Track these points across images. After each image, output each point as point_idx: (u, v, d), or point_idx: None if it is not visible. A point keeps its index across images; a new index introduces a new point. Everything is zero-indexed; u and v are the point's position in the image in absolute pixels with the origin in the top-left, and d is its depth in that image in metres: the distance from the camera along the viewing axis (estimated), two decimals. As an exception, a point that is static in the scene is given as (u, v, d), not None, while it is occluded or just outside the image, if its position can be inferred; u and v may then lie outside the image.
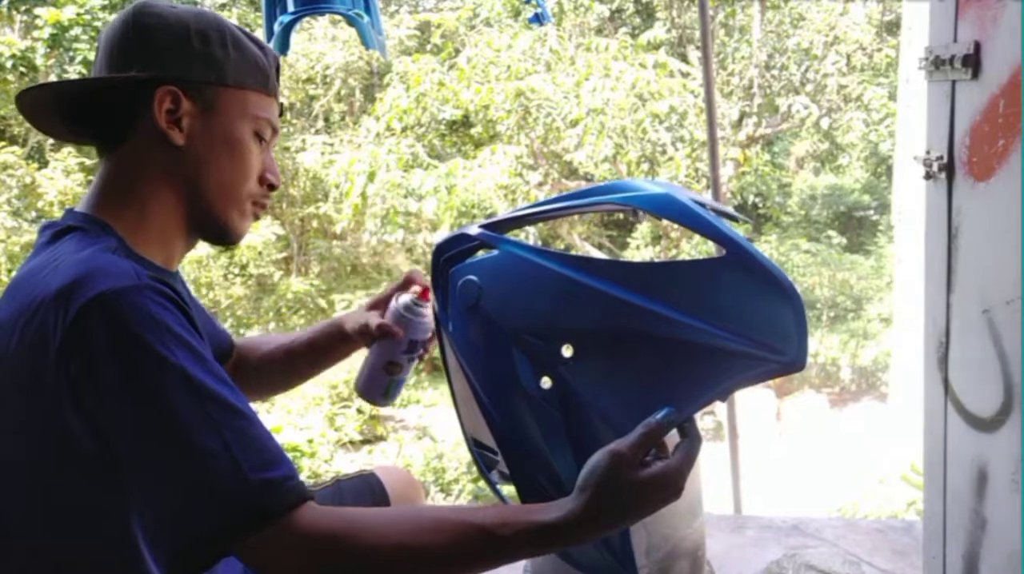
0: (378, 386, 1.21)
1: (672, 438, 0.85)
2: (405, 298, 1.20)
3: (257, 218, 1.06)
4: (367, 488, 1.33)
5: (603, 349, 0.88)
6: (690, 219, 0.89)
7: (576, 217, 8.92)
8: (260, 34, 2.02)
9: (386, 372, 1.20)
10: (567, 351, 0.88)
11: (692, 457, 0.82)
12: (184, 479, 0.77)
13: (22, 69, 8.16)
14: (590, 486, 0.80)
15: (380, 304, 1.25)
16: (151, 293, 0.81)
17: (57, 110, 1.00)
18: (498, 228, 0.99)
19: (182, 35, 0.96)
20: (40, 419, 0.81)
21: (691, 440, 0.84)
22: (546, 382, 0.89)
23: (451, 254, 0.99)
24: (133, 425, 0.78)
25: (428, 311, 1.18)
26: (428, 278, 1.15)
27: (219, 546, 0.76)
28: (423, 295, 1.20)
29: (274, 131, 1.05)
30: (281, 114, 1.08)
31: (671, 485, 0.81)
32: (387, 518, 0.83)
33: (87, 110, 0.98)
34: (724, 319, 0.83)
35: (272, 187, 1.06)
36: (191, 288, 1.18)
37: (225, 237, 1.03)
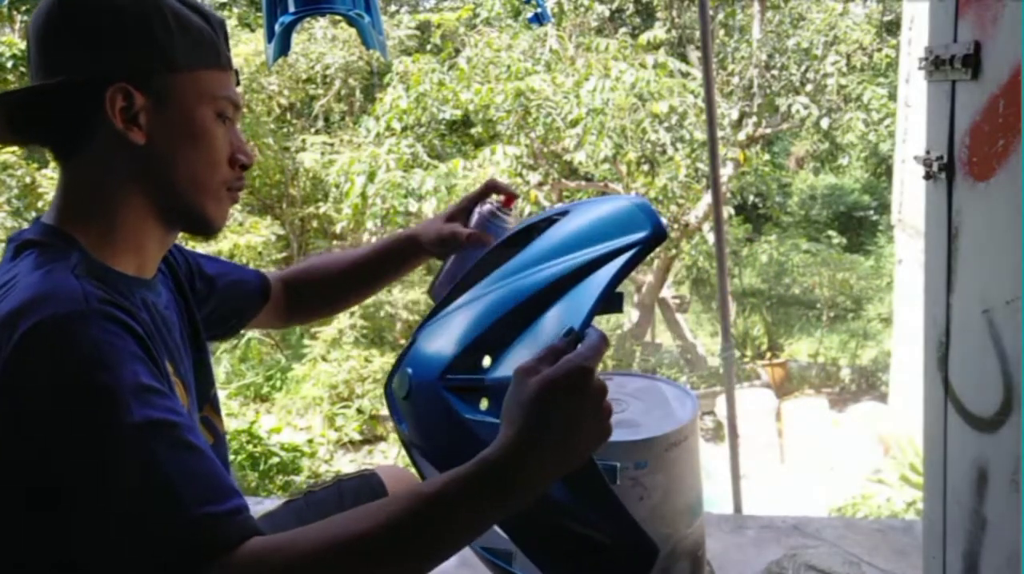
0: None
1: None
2: (489, 206, 1.21)
3: (234, 202, 1.00)
4: (368, 488, 1.32)
5: (508, 332, 0.91)
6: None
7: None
8: (260, 35, 2.01)
9: None
10: (486, 362, 0.91)
11: (594, 345, 0.79)
12: (122, 513, 0.73)
13: (22, 69, 8.16)
14: (505, 410, 0.77)
15: (459, 214, 1.24)
16: (98, 319, 0.77)
17: (2, 119, 0.93)
18: (424, 323, 1.04)
19: (119, 22, 0.88)
20: None
21: (592, 336, 0.81)
22: (484, 403, 0.90)
23: (391, 375, 1.01)
24: (71, 456, 0.73)
25: (512, 219, 1.20)
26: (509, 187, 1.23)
27: None
28: (507, 202, 1.20)
29: (236, 107, 0.97)
30: (238, 83, 1.00)
31: (576, 371, 0.75)
32: (329, 522, 0.77)
33: (33, 118, 0.91)
34: (585, 243, 0.92)
35: (244, 167, 0.99)
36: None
37: (206, 229, 0.98)
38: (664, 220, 0.92)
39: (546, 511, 0.84)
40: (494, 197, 1.23)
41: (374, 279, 1.38)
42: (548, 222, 0.99)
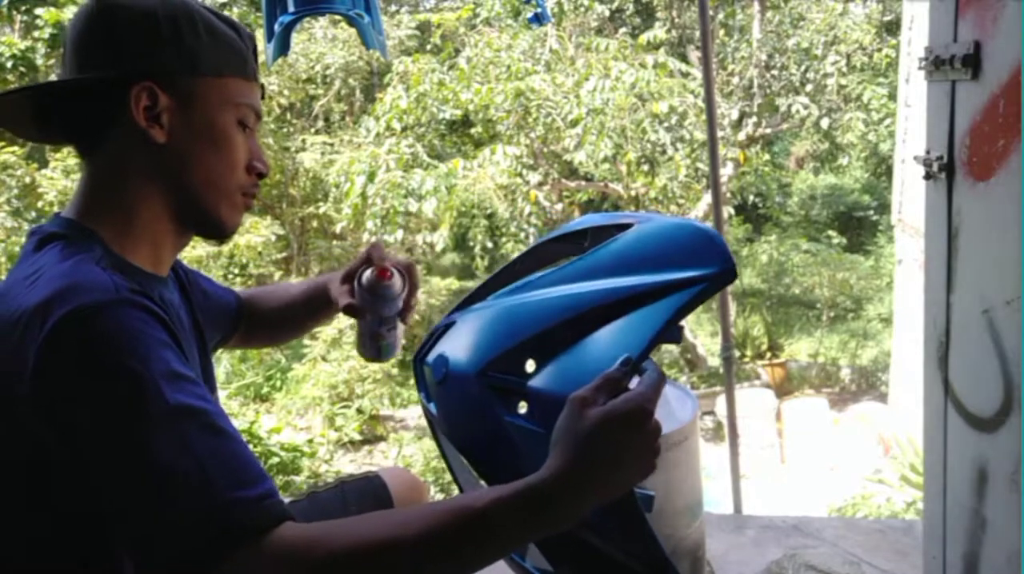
0: (371, 350, 1.24)
1: None
2: (367, 276, 1.19)
3: (248, 208, 1.02)
4: (371, 490, 1.32)
5: (557, 341, 0.89)
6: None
7: (576, 211, 8.91)
8: (260, 35, 2.01)
9: (372, 340, 1.22)
10: (530, 366, 0.90)
11: (654, 384, 0.80)
12: (155, 499, 0.73)
13: (22, 69, 8.17)
14: (559, 437, 0.77)
15: (350, 277, 1.23)
16: (129, 307, 0.79)
17: (28, 115, 0.96)
18: (466, 303, 1.03)
19: (151, 24, 0.91)
20: (17, 433, 0.79)
21: (651, 372, 0.82)
22: (523, 406, 0.90)
23: (423, 350, 1.01)
24: (104, 442, 0.75)
25: (394, 284, 1.19)
26: (384, 255, 1.20)
27: (196, 569, 0.72)
28: (380, 274, 1.18)
29: (257, 116, 1.00)
30: (263, 96, 1.03)
31: (638, 411, 0.77)
32: (363, 520, 0.78)
33: (60, 113, 0.94)
34: (652, 265, 0.89)
35: (261, 175, 1.01)
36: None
37: (218, 232, 1.00)
38: (734, 261, 0.88)
39: (577, 528, 0.84)
40: (372, 269, 1.20)
41: (299, 321, 1.39)
42: (609, 230, 0.97)
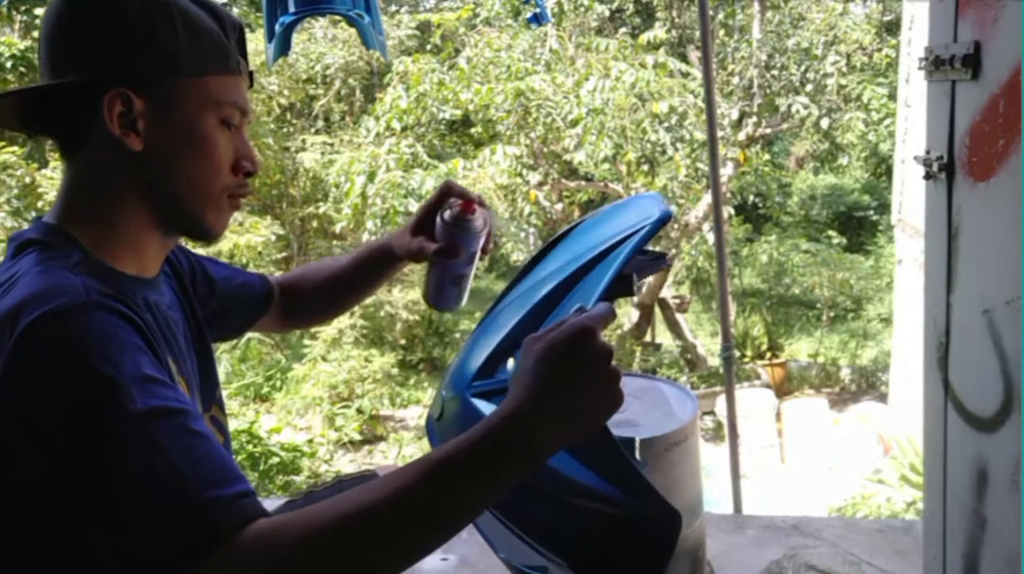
0: (449, 297, 1.22)
1: None
2: (450, 214, 1.16)
3: (237, 208, 0.99)
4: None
5: (527, 333, 0.91)
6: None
7: (577, 212, 8.93)
8: (260, 34, 2.00)
9: (454, 284, 1.20)
10: (511, 364, 0.94)
11: (600, 311, 0.78)
12: (128, 501, 0.72)
13: (22, 69, 8.16)
14: (515, 373, 0.77)
15: (423, 224, 1.20)
16: (99, 311, 0.77)
17: (17, 116, 0.94)
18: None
19: (124, 23, 0.87)
20: (2, 441, 0.77)
21: (599, 304, 0.80)
22: None
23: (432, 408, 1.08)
24: (76, 447, 0.73)
25: (477, 219, 1.15)
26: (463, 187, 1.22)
27: (175, 571, 0.71)
28: (466, 207, 1.14)
29: (243, 113, 0.95)
30: (251, 85, 0.99)
31: (579, 332, 0.75)
32: (334, 500, 0.75)
33: (40, 115, 0.92)
34: (596, 239, 0.99)
35: (248, 174, 0.97)
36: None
37: (205, 236, 0.97)
38: (671, 207, 1.00)
39: (564, 493, 0.84)
40: (451, 202, 1.17)
41: (355, 289, 1.38)
42: (570, 230, 1.07)
